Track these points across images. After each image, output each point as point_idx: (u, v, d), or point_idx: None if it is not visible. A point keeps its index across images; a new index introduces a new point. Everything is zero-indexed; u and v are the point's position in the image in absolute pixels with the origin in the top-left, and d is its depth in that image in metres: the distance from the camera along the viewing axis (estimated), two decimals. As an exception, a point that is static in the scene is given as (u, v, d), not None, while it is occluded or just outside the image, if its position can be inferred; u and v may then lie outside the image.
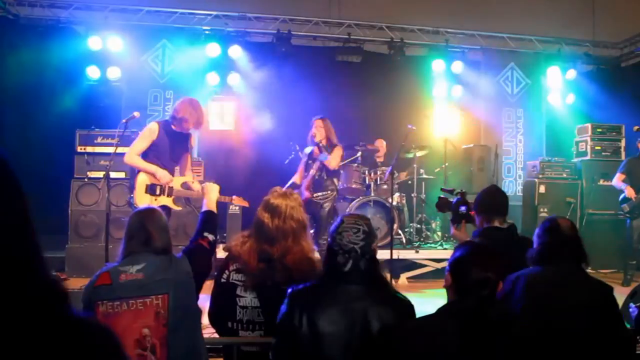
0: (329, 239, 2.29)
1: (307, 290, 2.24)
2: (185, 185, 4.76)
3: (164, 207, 4.40)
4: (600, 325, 2.48)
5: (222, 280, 2.78)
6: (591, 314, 2.51)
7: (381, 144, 8.25)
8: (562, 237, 2.68)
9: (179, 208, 4.81)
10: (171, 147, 4.70)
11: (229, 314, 2.73)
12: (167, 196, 4.60)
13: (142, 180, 4.58)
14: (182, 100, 4.76)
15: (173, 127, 4.72)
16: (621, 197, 6.89)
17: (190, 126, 4.72)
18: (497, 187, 3.77)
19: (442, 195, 3.98)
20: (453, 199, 3.82)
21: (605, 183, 7.79)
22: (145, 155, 4.63)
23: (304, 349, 2.12)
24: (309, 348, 2.11)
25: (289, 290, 2.26)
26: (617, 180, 6.91)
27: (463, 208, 3.66)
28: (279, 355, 2.24)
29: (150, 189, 4.57)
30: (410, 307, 2.22)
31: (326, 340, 2.10)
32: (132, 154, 4.60)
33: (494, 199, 3.47)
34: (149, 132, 4.67)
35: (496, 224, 3.35)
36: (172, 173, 4.70)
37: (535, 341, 2.28)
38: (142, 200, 4.48)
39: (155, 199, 4.53)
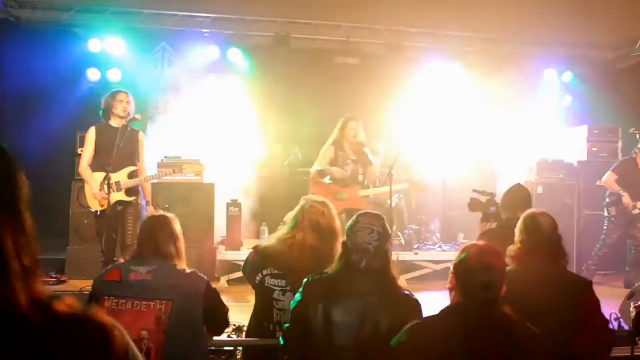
0: (345, 236, 2.39)
1: (322, 281, 2.32)
2: (132, 175, 5.02)
3: (120, 202, 4.83)
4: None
5: (256, 281, 2.82)
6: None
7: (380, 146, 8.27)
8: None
9: (133, 198, 5.02)
10: (115, 145, 4.86)
11: (265, 315, 2.77)
12: (117, 191, 4.84)
13: (86, 186, 5.00)
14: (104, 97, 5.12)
15: (111, 124, 4.98)
16: (609, 199, 6.86)
17: (121, 113, 4.94)
18: (520, 184, 4.16)
19: (474, 197, 4.41)
20: (484, 200, 4.28)
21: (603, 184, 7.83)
22: (96, 161, 4.92)
23: (316, 336, 2.19)
24: (321, 336, 2.19)
25: (304, 281, 2.33)
26: (612, 181, 6.84)
27: (492, 208, 4.11)
28: (290, 342, 2.31)
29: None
30: (418, 305, 2.35)
31: (338, 330, 2.18)
32: (84, 166, 4.93)
33: (516, 193, 3.89)
34: (89, 138, 4.94)
35: (519, 215, 3.53)
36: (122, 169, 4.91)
37: None
38: (93, 203, 4.93)
39: (106, 198, 4.77)
